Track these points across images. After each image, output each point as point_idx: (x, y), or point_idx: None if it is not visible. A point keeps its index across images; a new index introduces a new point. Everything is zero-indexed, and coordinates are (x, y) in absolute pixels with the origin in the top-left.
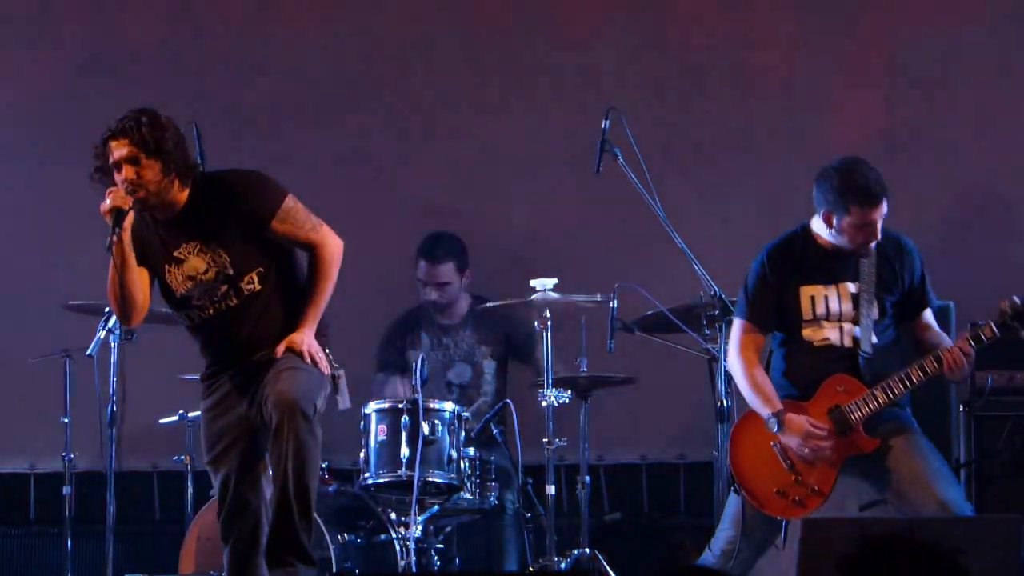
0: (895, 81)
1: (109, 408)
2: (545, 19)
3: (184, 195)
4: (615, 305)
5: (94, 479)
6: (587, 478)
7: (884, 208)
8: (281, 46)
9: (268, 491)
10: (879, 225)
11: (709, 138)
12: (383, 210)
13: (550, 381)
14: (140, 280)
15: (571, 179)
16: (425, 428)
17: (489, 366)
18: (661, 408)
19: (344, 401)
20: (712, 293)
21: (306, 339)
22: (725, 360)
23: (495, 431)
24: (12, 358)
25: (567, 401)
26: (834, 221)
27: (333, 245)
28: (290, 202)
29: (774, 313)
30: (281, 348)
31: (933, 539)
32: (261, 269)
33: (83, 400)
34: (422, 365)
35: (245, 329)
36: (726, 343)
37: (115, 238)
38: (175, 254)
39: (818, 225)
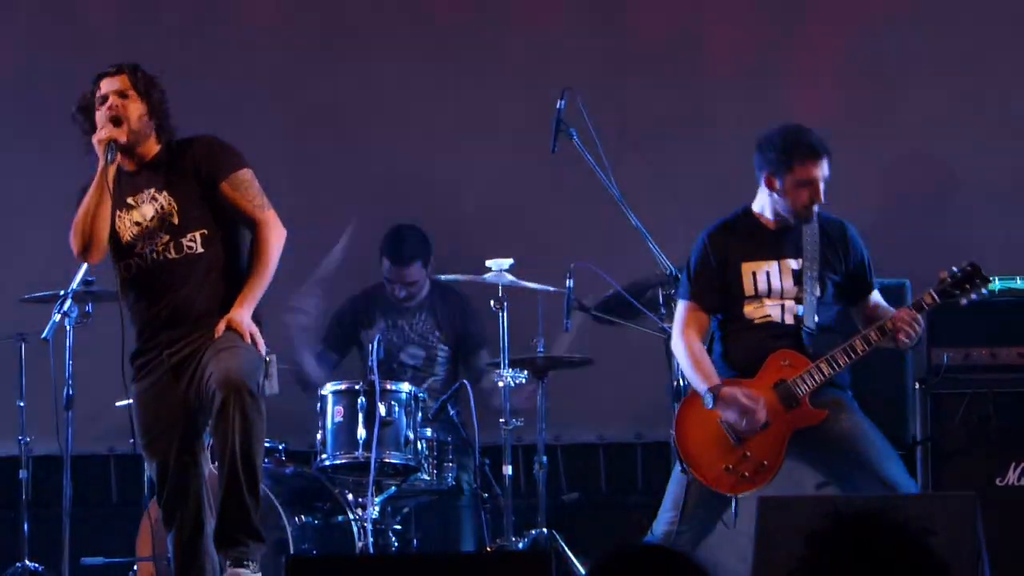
0: (850, 61)
1: (65, 391)
2: None
3: (155, 149)
4: (571, 285)
5: (50, 463)
6: (544, 458)
7: (827, 168)
8: (237, 25)
9: (207, 471)
10: (822, 186)
11: (665, 118)
12: (336, 191)
13: (506, 361)
14: (108, 219)
15: (527, 159)
16: (382, 409)
17: (443, 350)
18: (618, 388)
19: (273, 386)
20: (668, 273)
21: (245, 318)
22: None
23: (452, 412)
24: None
25: (524, 381)
26: (776, 183)
27: (277, 231)
28: (247, 174)
29: (717, 292)
30: (221, 327)
31: (904, 517)
32: (205, 232)
33: (39, 384)
34: (378, 346)
35: (180, 292)
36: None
37: (112, 158)
38: (128, 200)
39: (760, 203)
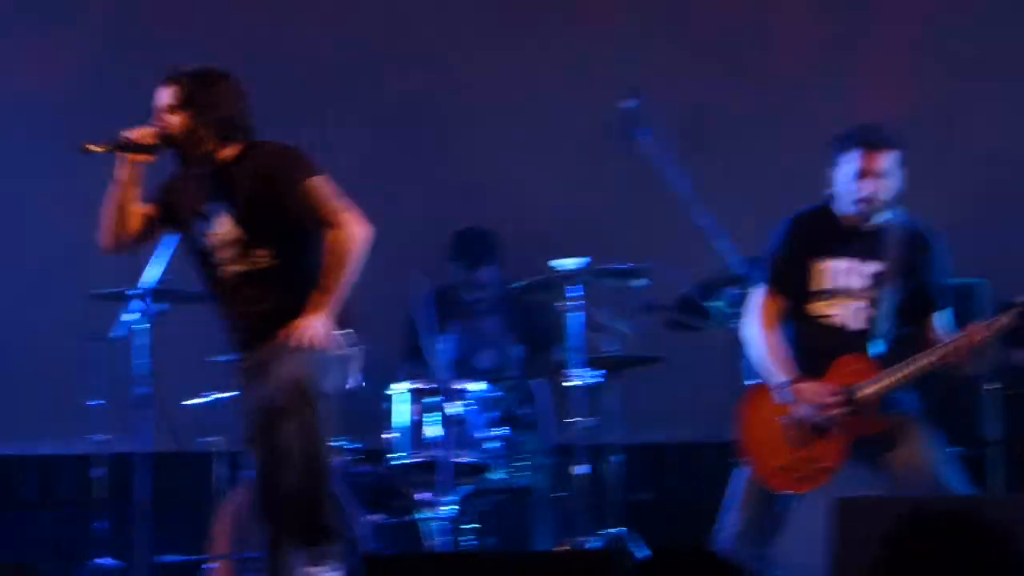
0: (923, 54)
1: (141, 390)
2: None
3: (225, 152)
4: (642, 284)
5: (125, 461)
6: (617, 457)
7: (888, 160)
8: (304, 31)
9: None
10: (882, 180)
11: (733, 115)
12: (405, 191)
13: (580, 360)
14: (132, 213)
15: (596, 158)
16: (454, 408)
17: (517, 351)
18: (691, 387)
19: (354, 380)
20: (739, 272)
21: (314, 322)
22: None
23: (525, 411)
24: (44, 341)
25: (597, 380)
26: (839, 173)
27: (354, 231)
28: (319, 180)
29: (796, 280)
30: (290, 332)
31: (987, 519)
32: (274, 245)
33: (114, 382)
34: (450, 346)
35: (249, 303)
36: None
37: (94, 148)
38: (201, 208)
39: (838, 198)
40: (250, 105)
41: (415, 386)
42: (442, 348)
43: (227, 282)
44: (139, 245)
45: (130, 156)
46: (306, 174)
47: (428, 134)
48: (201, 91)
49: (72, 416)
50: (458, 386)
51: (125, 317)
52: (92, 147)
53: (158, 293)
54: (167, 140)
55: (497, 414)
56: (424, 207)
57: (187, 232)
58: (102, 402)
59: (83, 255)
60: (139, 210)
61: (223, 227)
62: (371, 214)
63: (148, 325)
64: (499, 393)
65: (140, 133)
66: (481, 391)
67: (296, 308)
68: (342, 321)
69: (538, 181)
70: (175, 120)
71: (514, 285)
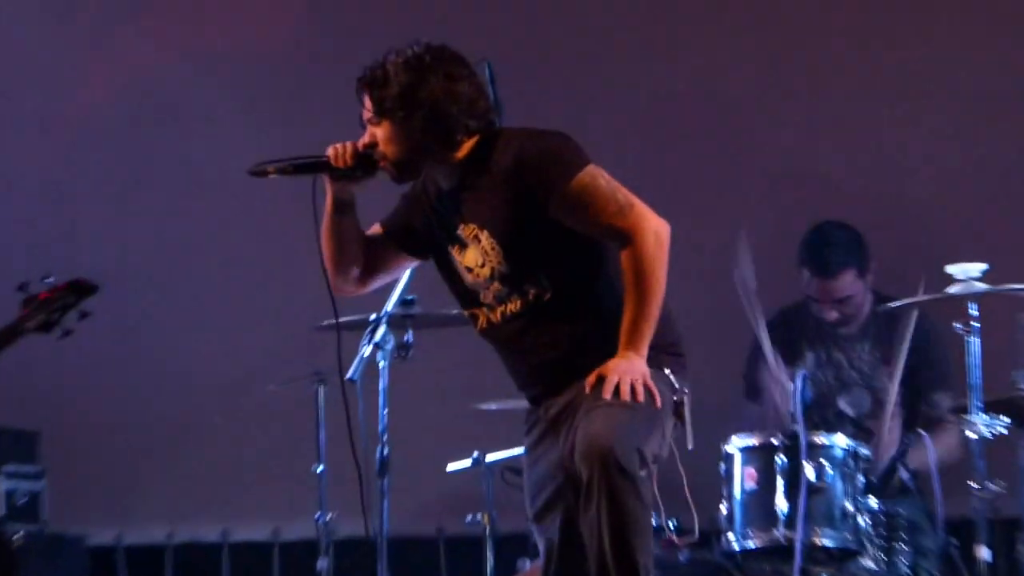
0: None
1: (378, 450)
2: None
3: (459, 154)
4: None
5: (358, 547)
6: None
7: None
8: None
9: None
10: None
11: None
12: (729, 174)
13: (979, 404)
14: (334, 249)
15: (993, 130)
16: (810, 472)
17: (897, 394)
18: None
19: (689, 439)
20: None
21: (621, 366)
22: None
23: (905, 475)
24: (254, 386)
25: (1003, 431)
26: None
27: (649, 232)
28: (587, 177)
29: None
30: (592, 379)
31: None
32: (552, 270)
33: (342, 439)
34: (803, 384)
35: (537, 348)
36: None
37: (271, 169)
38: (458, 233)
39: None
40: (474, 84)
41: (758, 441)
42: (794, 388)
43: (501, 327)
44: (376, 281)
45: (329, 179)
46: (572, 170)
47: (760, 99)
48: (398, 92)
49: (291, 486)
50: (819, 440)
51: (365, 351)
52: (268, 170)
53: (399, 319)
54: (369, 159)
55: (866, 479)
56: (756, 197)
57: (440, 260)
58: (321, 467)
59: (309, 272)
60: (367, 238)
61: (479, 257)
62: (684, 208)
63: (385, 362)
64: (869, 450)
65: (336, 151)
66: (849, 446)
67: (599, 342)
68: (658, 356)
69: (915, 162)
70: (379, 133)
71: (890, 305)
